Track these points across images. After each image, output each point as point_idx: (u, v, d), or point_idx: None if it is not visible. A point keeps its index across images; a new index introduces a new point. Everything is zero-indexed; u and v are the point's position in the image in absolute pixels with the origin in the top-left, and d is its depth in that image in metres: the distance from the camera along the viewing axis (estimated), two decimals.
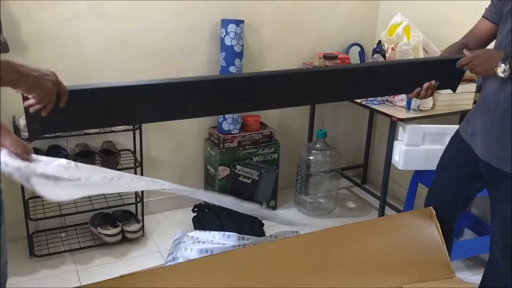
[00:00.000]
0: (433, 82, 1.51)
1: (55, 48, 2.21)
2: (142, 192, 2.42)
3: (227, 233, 2.29)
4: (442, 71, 1.51)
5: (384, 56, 2.38)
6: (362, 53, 2.83)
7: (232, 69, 2.45)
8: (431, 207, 1.64)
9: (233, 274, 1.31)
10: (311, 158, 2.73)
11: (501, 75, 1.38)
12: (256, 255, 1.40)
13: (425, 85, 1.50)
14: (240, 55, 2.46)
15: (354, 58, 2.81)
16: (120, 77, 2.38)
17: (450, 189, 1.70)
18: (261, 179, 2.61)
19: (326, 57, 2.49)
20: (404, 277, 1.45)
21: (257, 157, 2.67)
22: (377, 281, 1.41)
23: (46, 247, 2.28)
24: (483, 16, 1.57)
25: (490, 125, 1.50)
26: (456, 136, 1.69)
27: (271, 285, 1.32)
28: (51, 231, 2.39)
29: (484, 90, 1.57)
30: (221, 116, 2.55)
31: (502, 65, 1.37)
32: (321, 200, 2.86)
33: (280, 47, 2.74)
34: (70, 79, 2.31)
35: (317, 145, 2.74)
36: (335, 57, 2.50)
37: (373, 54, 2.41)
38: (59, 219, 2.39)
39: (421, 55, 2.20)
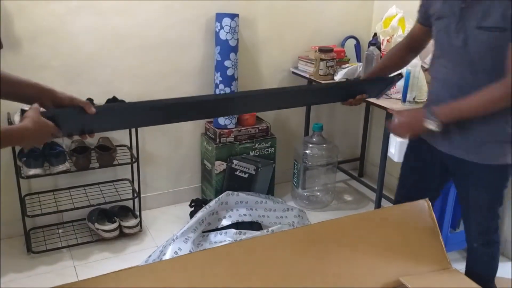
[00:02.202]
0: (364, 95, 1.69)
1: (49, 44, 2.20)
2: (139, 187, 2.42)
3: (224, 230, 2.32)
4: (371, 87, 1.74)
5: (379, 48, 2.38)
6: (358, 46, 2.83)
7: (227, 63, 2.45)
8: (427, 199, 1.65)
9: (230, 267, 1.31)
10: (307, 152, 2.74)
11: (432, 127, 1.40)
12: (253, 248, 1.40)
13: (358, 96, 1.67)
14: (235, 49, 2.45)
15: (349, 51, 2.81)
16: (115, 72, 2.37)
17: (418, 184, 1.74)
18: (258, 173, 2.61)
19: (322, 50, 2.49)
20: (401, 268, 1.46)
21: (253, 152, 2.67)
22: (374, 273, 1.41)
23: (44, 243, 2.28)
24: (419, 22, 1.61)
25: None
26: None
27: (268, 278, 1.32)
28: (48, 227, 2.39)
29: (431, 86, 1.61)
30: None
31: (429, 120, 1.39)
32: (318, 193, 2.86)
33: (276, 40, 2.73)
34: (65, 75, 2.33)
35: (314, 139, 2.74)
36: (330, 50, 2.49)
37: (368, 47, 2.41)
38: (56, 216, 2.39)
39: None
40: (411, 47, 1.68)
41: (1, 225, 2.30)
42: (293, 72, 2.79)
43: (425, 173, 1.72)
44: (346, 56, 2.67)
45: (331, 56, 2.48)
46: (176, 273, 1.25)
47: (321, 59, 2.47)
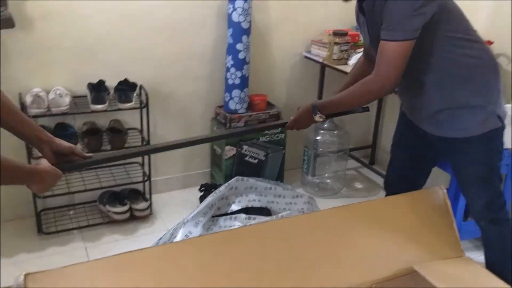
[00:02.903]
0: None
1: (61, 25, 2.18)
2: (149, 170, 2.42)
3: (233, 215, 2.32)
4: None
5: None
6: None
7: (239, 46, 2.42)
8: (442, 186, 1.62)
9: (241, 251, 1.31)
10: (318, 138, 2.71)
11: (320, 120, 1.63)
12: (263, 232, 1.39)
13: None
14: (247, 31, 2.42)
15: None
16: (126, 55, 2.35)
17: (407, 165, 1.77)
18: (267, 159, 2.59)
19: (336, 33, 2.45)
20: (414, 255, 1.44)
21: (263, 137, 2.65)
22: (386, 260, 1.40)
23: (54, 224, 2.29)
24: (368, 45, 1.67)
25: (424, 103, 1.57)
26: (403, 113, 1.75)
27: (279, 262, 1.31)
28: (59, 209, 2.40)
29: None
30: (228, 95, 2.53)
31: (315, 116, 1.61)
32: (328, 180, 2.85)
33: (289, 23, 2.69)
34: (76, 57, 2.32)
35: (325, 125, 2.72)
36: (345, 34, 2.45)
37: None
38: (68, 197, 2.40)
39: None
40: (370, 59, 1.71)
41: (12, 206, 2.32)
42: (305, 57, 2.75)
43: (412, 150, 1.75)
44: (361, 40, 2.62)
45: (346, 40, 2.44)
46: (187, 255, 1.24)
47: (335, 43, 2.43)
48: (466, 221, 2.24)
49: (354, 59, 2.45)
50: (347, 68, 2.51)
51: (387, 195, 1.92)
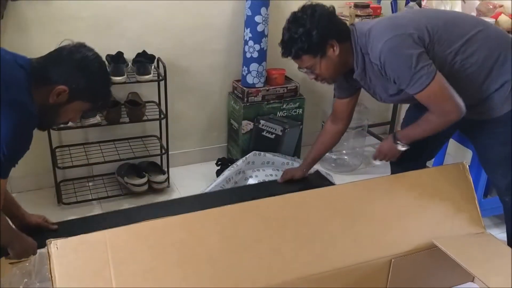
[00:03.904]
0: None
1: None
2: (167, 143, 2.43)
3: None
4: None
5: (419, 5, 2.26)
6: (394, 3, 2.69)
7: (258, 18, 2.37)
8: (464, 162, 1.59)
9: (262, 222, 1.31)
10: None
11: (402, 149, 1.64)
12: (284, 205, 1.39)
13: None
14: (266, 3, 2.37)
15: (386, 7, 2.68)
16: (143, 26, 2.33)
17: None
18: (284, 134, 2.57)
19: (358, 6, 2.38)
20: (434, 230, 1.43)
21: (281, 112, 2.63)
22: (407, 234, 1.39)
23: (74, 195, 2.33)
24: (336, 97, 1.80)
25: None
26: None
27: (299, 235, 1.31)
28: (78, 180, 2.43)
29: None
30: (246, 69, 2.50)
31: (397, 145, 1.63)
32: (346, 157, 2.82)
33: None
34: (94, 28, 2.30)
35: None
36: (367, 6, 2.39)
37: (407, 3, 2.29)
38: (87, 169, 2.43)
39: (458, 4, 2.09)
40: (338, 118, 1.83)
41: (33, 176, 2.35)
42: None
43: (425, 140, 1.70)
44: (382, 13, 2.55)
45: (367, 12, 2.37)
46: (207, 224, 1.25)
47: (356, 15, 2.37)
48: (486, 198, 2.21)
49: None
50: None
51: (392, 168, 1.92)
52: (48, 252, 1.02)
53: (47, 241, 1.04)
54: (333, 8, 1.55)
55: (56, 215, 2.22)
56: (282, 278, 1.22)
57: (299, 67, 1.60)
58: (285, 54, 1.57)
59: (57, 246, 1.04)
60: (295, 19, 1.50)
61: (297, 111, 2.65)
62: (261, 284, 1.19)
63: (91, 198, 2.33)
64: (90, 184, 2.44)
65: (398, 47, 1.45)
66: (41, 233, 1.50)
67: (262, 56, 2.47)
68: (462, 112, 1.47)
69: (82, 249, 1.05)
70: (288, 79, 2.66)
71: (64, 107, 1.32)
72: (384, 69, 1.48)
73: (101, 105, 1.45)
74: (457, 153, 2.46)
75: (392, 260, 1.32)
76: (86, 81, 1.31)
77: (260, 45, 2.43)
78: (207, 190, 2.12)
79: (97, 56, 1.36)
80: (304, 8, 1.51)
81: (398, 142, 1.63)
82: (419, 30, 1.47)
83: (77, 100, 1.32)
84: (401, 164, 1.75)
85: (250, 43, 2.43)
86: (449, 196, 1.51)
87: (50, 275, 1.00)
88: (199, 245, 1.19)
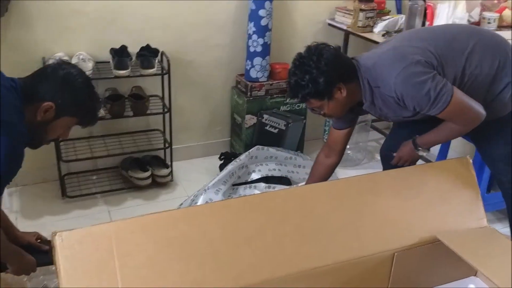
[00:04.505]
0: None
1: None
2: (170, 137, 2.43)
3: (253, 184, 2.32)
4: None
5: None
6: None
7: (262, 12, 2.37)
8: (467, 156, 1.59)
9: (263, 216, 1.31)
10: None
11: (423, 153, 1.68)
12: (285, 199, 1.38)
13: None
14: None
15: (390, 2, 2.68)
16: (146, 21, 2.33)
17: (410, 135, 1.74)
18: (288, 129, 2.58)
19: (362, 0, 2.37)
20: (437, 225, 1.43)
21: (284, 107, 2.63)
22: (410, 228, 1.39)
23: (78, 188, 2.34)
24: (334, 128, 1.78)
25: None
26: None
27: (301, 228, 1.31)
28: (82, 173, 2.44)
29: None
30: (249, 63, 2.50)
31: (418, 150, 1.67)
32: (349, 152, 2.82)
33: None
34: (97, 22, 2.31)
35: None
36: (371, 0, 2.37)
37: None
38: (91, 162, 2.44)
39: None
40: (333, 150, 1.82)
41: (37, 169, 2.36)
42: (329, 24, 2.68)
43: (419, 126, 1.71)
44: (386, 7, 2.54)
45: (372, 6, 2.36)
46: (209, 218, 1.25)
47: (361, 10, 2.36)
48: (489, 193, 2.21)
49: (380, 26, 2.38)
50: (373, 36, 2.44)
51: (383, 164, 1.93)
52: (53, 244, 1.03)
53: (52, 232, 1.05)
54: (339, 47, 1.57)
55: (60, 208, 2.24)
56: (285, 271, 1.22)
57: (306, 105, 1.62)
58: (291, 97, 1.59)
59: (62, 238, 1.04)
60: (301, 64, 1.49)
61: (301, 106, 2.65)
62: (264, 277, 1.19)
63: (95, 191, 2.34)
64: (94, 177, 2.45)
65: (410, 78, 1.45)
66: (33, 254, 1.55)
67: (266, 50, 2.47)
68: (482, 117, 1.50)
69: (87, 241, 1.06)
70: None
71: (52, 124, 1.36)
72: (402, 101, 1.50)
73: (88, 120, 1.46)
74: (461, 148, 2.46)
75: (395, 254, 1.32)
76: (70, 97, 1.34)
77: (264, 39, 2.43)
78: (211, 184, 2.13)
79: (80, 72, 1.40)
80: (309, 52, 1.50)
81: (419, 148, 1.66)
82: (425, 55, 1.48)
83: (64, 115, 1.36)
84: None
85: (254, 37, 2.42)
86: (452, 190, 1.51)
87: (55, 267, 1.01)
88: (202, 238, 1.19)
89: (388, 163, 1.84)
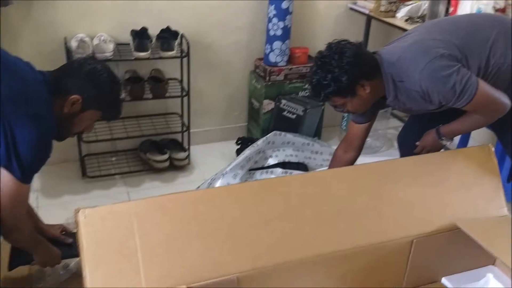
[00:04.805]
0: None
1: None
2: (188, 120, 2.44)
3: (270, 169, 2.32)
4: None
5: None
6: None
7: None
8: (489, 144, 1.57)
9: (282, 199, 1.31)
10: None
11: (447, 143, 1.68)
12: (304, 182, 1.38)
13: None
14: None
15: None
16: (167, 2, 2.32)
17: (427, 126, 1.72)
18: (305, 115, 2.56)
19: None
20: (458, 212, 1.41)
21: (303, 92, 2.61)
22: (429, 215, 1.38)
23: (98, 169, 2.38)
24: (354, 122, 1.75)
25: None
26: None
27: (321, 213, 1.31)
28: (102, 154, 2.48)
29: None
30: (269, 47, 2.48)
31: (442, 140, 1.66)
32: (368, 139, 2.73)
33: None
34: (119, 4, 2.31)
35: None
36: None
37: None
38: (110, 144, 2.47)
39: None
40: (351, 145, 1.79)
41: (58, 150, 2.39)
42: (351, 8, 2.64)
43: (437, 113, 1.68)
44: None
45: None
46: (228, 200, 1.26)
47: None
48: (510, 182, 2.17)
49: (402, 12, 2.33)
50: (395, 21, 2.39)
51: (400, 151, 1.91)
52: (76, 221, 1.05)
53: (75, 209, 1.07)
54: (360, 43, 1.54)
55: (80, 188, 2.28)
56: (303, 254, 1.23)
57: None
58: (313, 96, 1.57)
59: (85, 215, 1.06)
60: (323, 63, 1.47)
61: None
62: (282, 259, 1.20)
63: (114, 172, 2.37)
64: (113, 159, 2.48)
65: (435, 72, 1.44)
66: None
67: (286, 34, 2.44)
68: (507, 108, 1.49)
69: (109, 219, 1.08)
70: (311, 58, 2.63)
71: (78, 117, 1.41)
72: (427, 95, 1.48)
73: (112, 114, 1.51)
74: (481, 137, 2.42)
75: (414, 240, 1.32)
76: (96, 91, 1.39)
77: (284, 23, 2.40)
78: (228, 168, 2.14)
79: (105, 68, 1.45)
80: (331, 50, 1.48)
81: (442, 138, 1.65)
82: (448, 48, 1.46)
83: (89, 109, 1.41)
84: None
85: (274, 20, 2.40)
86: (473, 178, 1.49)
87: (78, 243, 1.03)
88: (220, 218, 1.20)
89: (405, 150, 1.83)
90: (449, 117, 1.79)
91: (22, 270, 1.63)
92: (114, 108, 1.49)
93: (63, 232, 1.72)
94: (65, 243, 1.66)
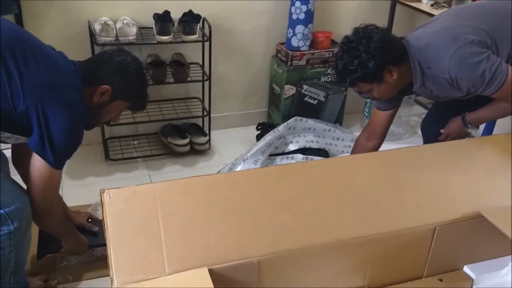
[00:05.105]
0: None
1: None
2: (209, 105, 2.45)
3: (290, 155, 2.32)
4: None
5: None
6: None
7: None
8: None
9: (304, 184, 1.31)
10: None
11: (472, 131, 1.67)
12: (327, 168, 1.38)
13: None
14: None
15: None
16: None
17: (453, 111, 1.70)
18: (327, 100, 2.54)
19: None
20: (482, 200, 1.38)
21: (325, 77, 2.58)
22: (453, 203, 1.36)
23: (120, 152, 2.41)
24: (378, 109, 1.74)
25: None
26: None
27: (342, 199, 1.31)
28: (124, 138, 2.51)
29: None
30: (291, 31, 2.45)
31: (467, 128, 1.64)
32: (391, 126, 2.75)
33: None
34: None
35: None
36: None
37: None
38: (132, 128, 2.50)
39: None
40: (374, 133, 1.78)
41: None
42: None
43: (463, 103, 1.65)
44: None
45: None
46: (249, 183, 1.26)
47: None
48: None
49: None
50: (421, 6, 2.34)
51: (424, 137, 1.88)
52: (101, 201, 1.07)
53: (100, 189, 1.09)
54: (388, 28, 1.52)
55: (104, 170, 2.32)
56: (323, 239, 1.22)
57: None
58: (339, 82, 1.54)
59: (109, 195, 1.08)
60: (349, 48, 1.44)
61: None
62: (302, 243, 1.20)
63: (136, 155, 2.41)
64: (135, 142, 2.51)
65: (465, 59, 1.41)
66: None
67: (309, 17, 2.41)
68: None
69: (133, 200, 1.10)
70: (334, 43, 2.60)
71: (107, 106, 1.45)
72: (456, 83, 1.45)
73: (139, 105, 1.55)
74: (506, 125, 2.36)
75: (437, 227, 1.30)
76: (125, 82, 1.43)
77: (307, 6, 2.37)
78: (249, 154, 2.14)
79: (134, 59, 1.48)
80: (357, 35, 1.45)
81: (468, 126, 1.63)
82: (478, 34, 1.42)
83: (118, 99, 1.45)
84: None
85: (297, 3, 2.37)
86: (499, 166, 1.45)
87: (103, 222, 1.05)
88: (242, 201, 1.21)
89: (428, 137, 1.80)
90: (475, 105, 1.75)
91: None
92: (141, 99, 1.53)
93: (90, 220, 1.76)
94: (91, 231, 1.70)
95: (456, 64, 1.42)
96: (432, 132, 1.76)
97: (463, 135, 1.68)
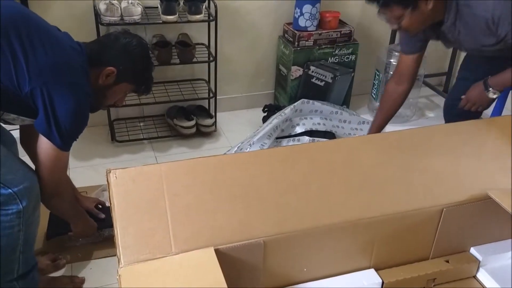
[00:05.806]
0: None
1: None
2: (215, 86, 2.43)
3: (297, 137, 2.30)
4: None
5: None
6: None
7: None
8: None
9: (310, 165, 1.30)
10: (392, 61, 2.56)
11: (494, 96, 1.61)
12: (334, 149, 1.36)
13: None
14: None
15: None
16: None
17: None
18: (335, 82, 2.51)
19: None
20: (490, 182, 1.37)
21: (332, 58, 2.55)
22: (460, 185, 1.34)
23: (126, 133, 2.41)
24: (404, 53, 1.71)
25: None
26: None
27: (348, 180, 1.30)
28: (130, 119, 2.51)
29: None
30: (298, 10, 2.41)
31: (488, 91, 1.59)
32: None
33: None
34: None
35: (398, 47, 2.55)
36: None
37: None
38: (138, 110, 2.50)
39: None
40: (403, 77, 1.74)
41: None
42: None
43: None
44: None
45: None
46: (256, 164, 1.26)
47: None
48: None
49: None
50: None
51: (445, 116, 1.85)
52: (107, 181, 1.07)
53: (106, 169, 1.09)
54: None
55: (110, 151, 2.33)
56: (330, 220, 1.22)
57: (380, 14, 1.49)
58: (372, 1, 1.46)
59: (116, 175, 1.08)
60: None
61: (350, 58, 2.57)
62: (308, 224, 1.20)
63: (142, 137, 2.41)
64: (141, 124, 2.51)
65: None
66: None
67: None
68: None
69: (139, 180, 1.09)
70: (342, 23, 2.56)
71: (112, 89, 1.45)
72: (496, 24, 1.39)
73: (144, 88, 1.54)
74: None
75: (444, 209, 1.29)
76: (130, 64, 1.43)
77: None
78: (256, 138, 2.13)
79: (140, 42, 1.47)
80: None
81: (490, 89, 1.57)
82: None
83: (123, 81, 1.45)
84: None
85: None
86: (508, 148, 1.44)
87: (109, 202, 1.05)
88: (248, 182, 1.21)
89: (450, 117, 1.77)
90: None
91: None
92: (146, 83, 1.52)
93: (99, 205, 1.77)
94: (98, 217, 1.71)
95: (504, 4, 1.35)
96: (454, 113, 1.72)
97: (484, 101, 1.63)
